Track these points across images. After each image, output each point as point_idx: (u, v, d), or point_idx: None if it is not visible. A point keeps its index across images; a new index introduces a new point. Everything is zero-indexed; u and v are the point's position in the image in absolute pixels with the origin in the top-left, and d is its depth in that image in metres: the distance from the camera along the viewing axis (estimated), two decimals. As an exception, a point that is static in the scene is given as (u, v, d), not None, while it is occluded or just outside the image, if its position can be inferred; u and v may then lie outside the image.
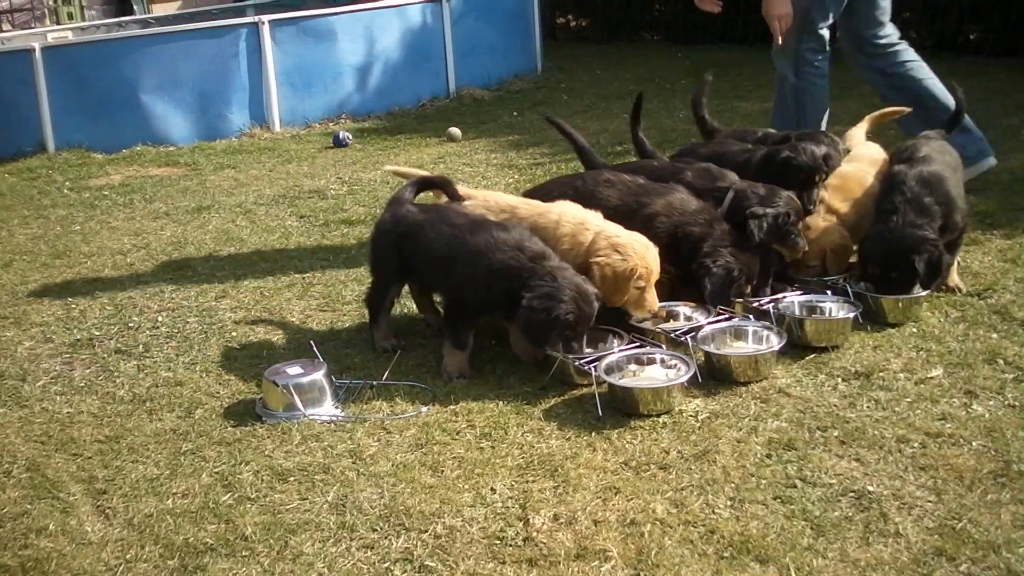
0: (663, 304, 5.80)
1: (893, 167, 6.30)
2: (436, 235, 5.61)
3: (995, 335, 5.64)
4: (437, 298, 6.18)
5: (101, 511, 4.46)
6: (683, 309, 5.96)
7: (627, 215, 5.89)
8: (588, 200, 6.08)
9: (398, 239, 5.80)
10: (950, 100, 7.63)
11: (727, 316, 5.80)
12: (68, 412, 5.42)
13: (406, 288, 6.17)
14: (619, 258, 5.50)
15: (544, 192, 6.50)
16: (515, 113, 13.48)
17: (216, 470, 4.73)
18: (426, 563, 3.99)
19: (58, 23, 18.53)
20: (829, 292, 5.99)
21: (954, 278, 6.25)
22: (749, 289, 5.94)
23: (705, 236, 5.86)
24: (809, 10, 7.81)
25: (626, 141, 10.88)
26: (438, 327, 6.14)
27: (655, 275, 5.61)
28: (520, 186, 8.74)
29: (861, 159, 6.79)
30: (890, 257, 5.89)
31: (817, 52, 8.03)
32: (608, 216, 5.86)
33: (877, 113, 7.63)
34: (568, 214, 5.74)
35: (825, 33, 7.98)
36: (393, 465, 4.69)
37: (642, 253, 5.55)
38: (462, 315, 5.58)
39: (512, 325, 5.60)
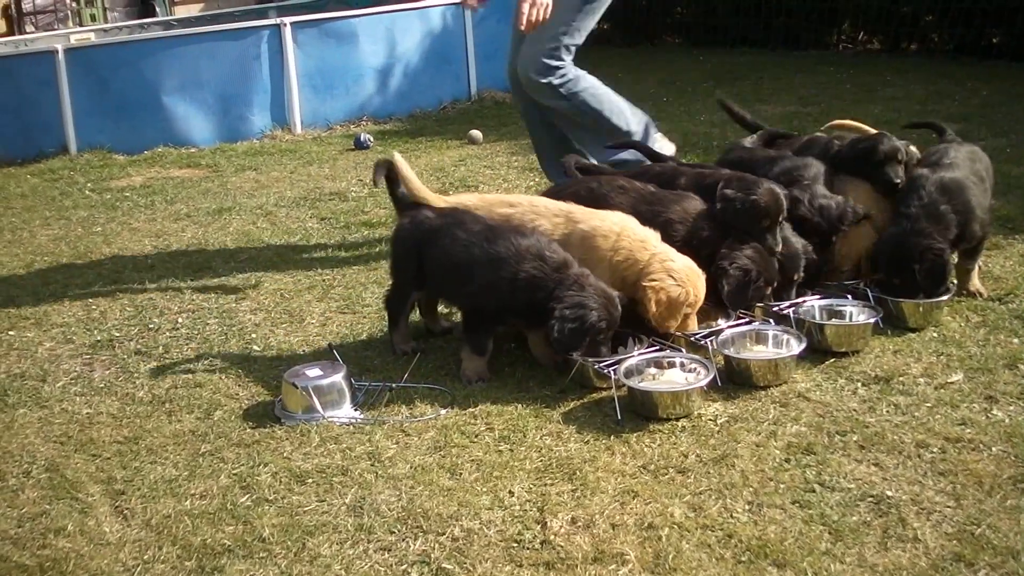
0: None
1: (916, 170, 6.29)
2: (453, 242, 5.60)
3: (1016, 340, 5.63)
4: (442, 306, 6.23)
5: (119, 512, 4.47)
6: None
7: (641, 222, 5.87)
8: (600, 204, 6.08)
9: (417, 245, 5.79)
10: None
11: (747, 320, 5.79)
12: (87, 413, 5.44)
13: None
14: (673, 283, 5.48)
15: (558, 193, 6.52)
16: (536, 116, 13.45)
17: (234, 471, 4.74)
18: (443, 566, 3.99)
19: (81, 25, 18.57)
20: (850, 296, 5.98)
21: (975, 283, 6.24)
22: (769, 291, 5.91)
23: (722, 240, 5.84)
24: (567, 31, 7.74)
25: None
26: (436, 332, 6.20)
27: (700, 302, 5.61)
28: (540, 189, 8.73)
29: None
30: (893, 263, 5.90)
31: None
32: None
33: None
34: (630, 229, 5.70)
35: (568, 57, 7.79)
36: (411, 467, 4.69)
37: (693, 280, 5.54)
38: (481, 322, 5.58)
39: (531, 331, 5.61)
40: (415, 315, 6.20)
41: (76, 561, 4.15)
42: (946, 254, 5.87)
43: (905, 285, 5.86)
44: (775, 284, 5.92)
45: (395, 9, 14.20)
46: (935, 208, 5.97)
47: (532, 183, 9.39)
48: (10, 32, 18.01)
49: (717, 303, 5.80)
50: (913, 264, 5.81)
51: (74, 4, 18.90)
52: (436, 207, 5.96)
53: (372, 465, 4.74)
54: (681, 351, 5.49)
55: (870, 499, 4.25)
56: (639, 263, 5.54)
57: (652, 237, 5.67)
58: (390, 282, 6.10)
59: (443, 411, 5.19)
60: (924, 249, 5.82)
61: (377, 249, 7.87)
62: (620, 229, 5.67)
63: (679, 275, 5.50)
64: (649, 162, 7.36)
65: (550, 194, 6.65)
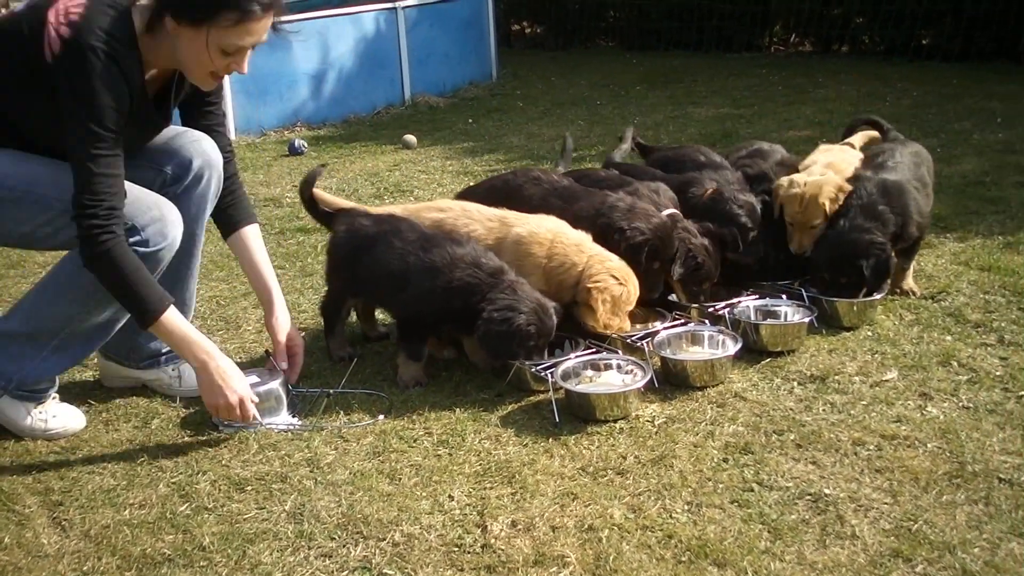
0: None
1: (858, 171, 6.35)
2: (388, 249, 5.57)
3: (949, 337, 5.70)
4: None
5: (57, 523, 4.42)
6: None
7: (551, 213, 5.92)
8: (512, 195, 6.15)
9: (352, 252, 5.77)
10: None
11: (682, 321, 5.83)
12: (23, 423, 5.39)
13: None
14: (616, 283, 5.50)
15: (476, 187, 6.75)
16: (470, 120, 13.49)
17: (173, 480, 4.70)
18: (384, 571, 3.98)
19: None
20: (784, 296, 6.02)
21: (909, 281, 6.31)
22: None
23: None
24: None
25: (581, 147, 10.97)
26: (372, 338, 6.20)
27: (635, 300, 5.64)
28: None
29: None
30: (839, 262, 5.94)
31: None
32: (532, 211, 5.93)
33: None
34: (563, 233, 5.68)
35: None
36: (351, 473, 4.68)
37: (631, 279, 5.58)
38: (417, 328, 5.57)
39: (467, 337, 5.60)
40: (353, 319, 6.18)
41: (14, 574, 4.09)
42: (889, 248, 5.93)
43: (851, 284, 5.91)
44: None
45: (328, 15, 14.16)
46: (873, 208, 6.03)
47: (467, 186, 9.38)
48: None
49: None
50: (860, 261, 5.86)
51: (3, 10, 18.70)
52: (372, 215, 5.94)
53: (311, 471, 4.72)
54: (617, 353, 5.51)
55: (808, 497, 4.28)
56: (577, 266, 5.54)
57: (586, 240, 5.68)
58: (326, 288, 6.08)
59: (381, 416, 5.17)
60: (868, 245, 5.88)
61: (312, 255, 7.85)
62: (553, 235, 5.67)
63: (619, 274, 5.52)
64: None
65: (468, 190, 6.71)
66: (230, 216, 5.51)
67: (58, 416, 5.22)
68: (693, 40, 18.05)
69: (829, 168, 6.67)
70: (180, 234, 5.05)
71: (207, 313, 6.80)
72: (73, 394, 5.59)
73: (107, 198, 4.63)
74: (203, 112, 5.41)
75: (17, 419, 5.16)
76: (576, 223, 5.81)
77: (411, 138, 12.05)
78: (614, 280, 5.49)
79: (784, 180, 6.40)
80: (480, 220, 5.85)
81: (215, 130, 5.44)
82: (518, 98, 14.90)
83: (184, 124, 5.44)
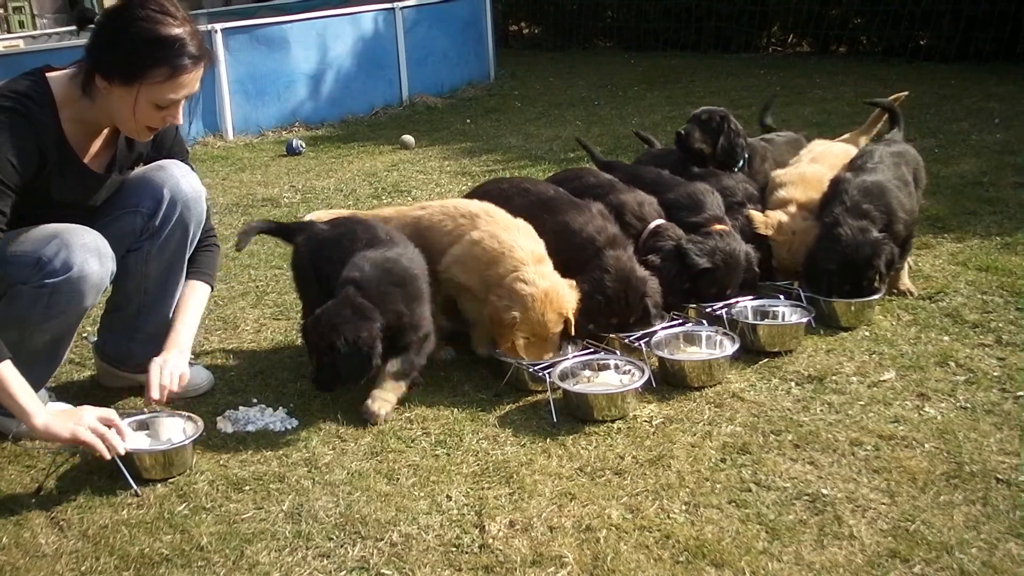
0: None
1: (839, 174, 6.35)
2: (340, 252, 5.49)
3: (946, 338, 5.70)
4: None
5: (55, 523, 4.42)
6: None
7: (533, 226, 5.86)
8: (503, 206, 6.07)
9: (312, 260, 5.69)
10: None
11: (680, 321, 5.83)
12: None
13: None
14: (506, 305, 5.42)
15: (475, 191, 6.71)
16: (468, 120, 13.51)
17: (171, 480, 4.70)
18: (382, 571, 3.98)
19: (9, 31, 18.42)
20: (782, 297, 6.02)
21: (905, 281, 6.31)
22: (614, 322, 5.79)
23: (595, 256, 5.78)
24: None
25: (579, 147, 10.93)
26: None
27: (547, 332, 5.48)
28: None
29: (825, 159, 6.86)
30: (854, 267, 5.93)
31: None
32: None
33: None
34: (518, 246, 5.58)
35: None
36: (348, 473, 4.68)
37: (542, 309, 5.41)
38: None
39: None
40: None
41: (12, 573, 4.09)
42: (891, 241, 5.97)
43: (861, 286, 5.95)
44: (626, 315, 5.78)
45: (327, 15, 14.20)
46: (859, 208, 6.04)
47: (464, 187, 9.37)
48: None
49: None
50: (875, 260, 5.90)
51: (1, 10, 18.73)
52: (331, 220, 5.93)
53: (309, 471, 4.72)
54: (615, 353, 5.51)
55: (806, 497, 4.28)
56: (500, 278, 5.50)
57: (528, 258, 5.55)
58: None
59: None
60: (875, 243, 5.91)
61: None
62: (500, 246, 5.59)
63: (520, 299, 5.41)
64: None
65: (472, 191, 6.79)
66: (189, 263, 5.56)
67: None
68: (691, 40, 18.07)
69: (814, 162, 6.73)
70: (95, 261, 4.95)
71: (205, 313, 6.76)
72: (71, 394, 5.60)
73: None
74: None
75: (9, 427, 5.17)
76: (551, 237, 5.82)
77: (409, 138, 12.06)
78: (507, 303, 5.41)
79: (771, 219, 6.40)
80: (453, 216, 5.85)
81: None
82: (516, 98, 14.92)
83: None
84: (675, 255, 6.04)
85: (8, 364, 4.57)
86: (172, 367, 5.10)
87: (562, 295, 5.48)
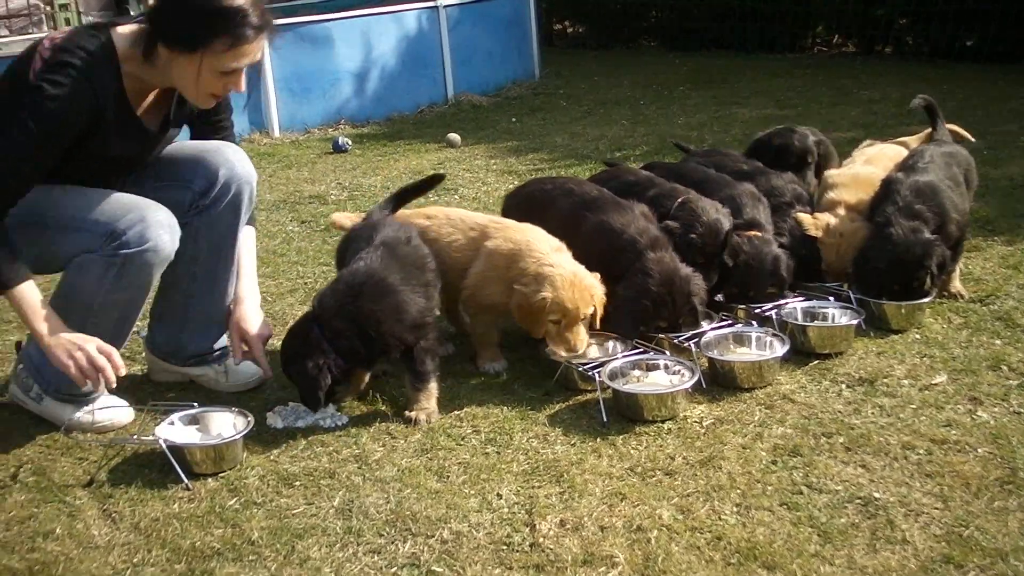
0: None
1: (890, 174, 6.32)
2: (354, 251, 5.50)
3: (999, 341, 5.66)
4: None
5: (108, 515, 4.46)
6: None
7: (571, 228, 5.89)
8: (546, 206, 6.15)
9: (340, 256, 5.75)
10: None
11: (729, 322, 5.82)
12: (73, 416, 5.42)
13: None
14: (534, 288, 5.41)
15: (515, 194, 6.77)
16: (513, 119, 13.51)
17: (222, 475, 4.72)
18: (433, 568, 3.98)
19: (55, 28, 18.49)
20: (832, 298, 6.00)
21: (956, 284, 6.28)
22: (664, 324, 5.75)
23: (637, 259, 5.75)
24: None
25: (625, 147, 10.98)
26: None
27: (579, 313, 5.44)
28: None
29: (878, 161, 6.84)
30: (905, 268, 5.89)
31: None
32: (553, 228, 5.80)
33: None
34: (534, 245, 5.58)
35: None
36: (399, 470, 4.69)
37: (564, 288, 5.38)
38: None
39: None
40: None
41: (65, 564, 4.12)
42: (943, 243, 5.95)
43: (911, 286, 5.93)
44: (674, 316, 5.73)
45: (371, 13, 14.22)
46: (911, 208, 6.01)
47: (511, 186, 9.36)
48: (-17, 36, 17.92)
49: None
50: (927, 262, 5.88)
51: (48, 8, 18.80)
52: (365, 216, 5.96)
53: (359, 468, 4.73)
54: (665, 353, 5.50)
55: (858, 501, 4.26)
56: (523, 271, 5.49)
57: (546, 248, 5.57)
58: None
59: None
60: (928, 244, 5.88)
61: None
62: (518, 247, 5.60)
63: (548, 280, 5.40)
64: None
65: (510, 194, 6.83)
66: None
67: (105, 409, 5.27)
68: (736, 40, 18.02)
69: (868, 163, 6.72)
70: (168, 238, 5.08)
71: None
72: (122, 387, 5.60)
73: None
74: (212, 125, 5.59)
75: (62, 416, 5.21)
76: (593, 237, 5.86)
77: (455, 136, 12.07)
78: (535, 287, 5.40)
79: (820, 221, 6.36)
80: (462, 228, 5.84)
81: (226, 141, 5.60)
82: (561, 97, 14.92)
83: (194, 138, 5.60)
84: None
85: (28, 285, 4.74)
86: (253, 319, 5.50)
87: (588, 279, 5.49)
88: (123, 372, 4.85)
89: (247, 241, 5.66)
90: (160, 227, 5.02)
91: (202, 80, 4.84)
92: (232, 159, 5.42)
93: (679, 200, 6.15)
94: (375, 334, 5.07)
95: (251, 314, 5.52)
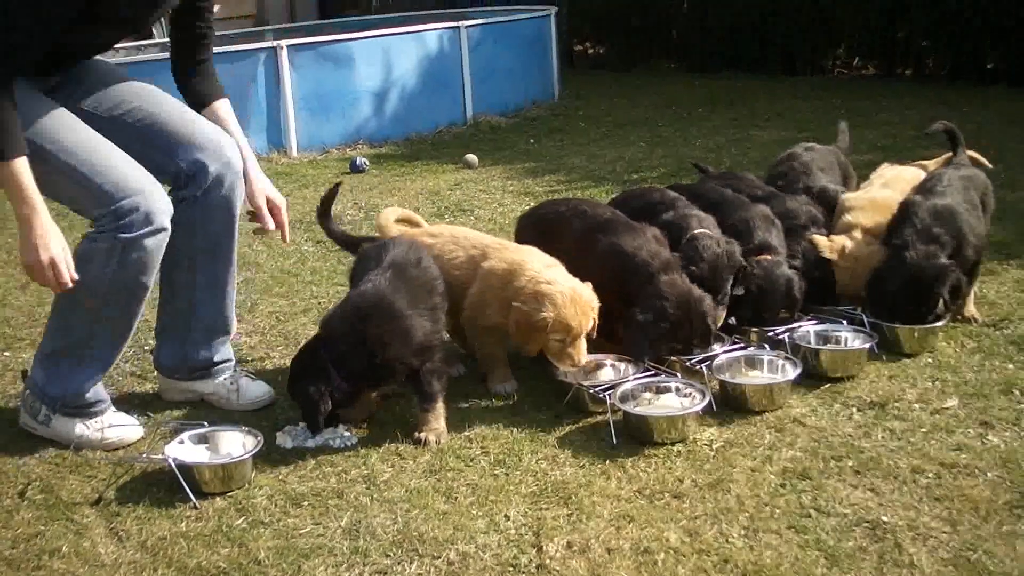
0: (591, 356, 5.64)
1: (908, 197, 6.31)
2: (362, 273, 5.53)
3: (1011, 365, 5.64)
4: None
5: (114, 533, 4.46)
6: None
7: (580, 250, 5.91)
8: (559, 227, 6.17)
9: (353, 276, 5.76)
10: None
11: (742, 345, 5.81)
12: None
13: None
14: (535, 307, 5.38)
15: (530, 215, 6.77)
16: (532, 140, 13.52)
17: (230, 494, 4.73)
18: (439, 589, 3.99)
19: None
20: (844, 322, 5.98)
21: (970, 308, 6.26)
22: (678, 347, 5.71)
23: (648, 282, 5.71)
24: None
25: (643, 169, 10.98)
26: None
27: (581, 329, 5.44)
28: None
29: (896, 184, 6.83)
30: (915, 292, 5.88)
31: None
32: (565, 250, 5.84)
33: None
34: (529, 265, 5.57)
35: None
36: (407, 491, 4.69)
37: (567, 306, 5.37)
38: None
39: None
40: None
41: (71, 583, 4.15)
42: (957, 267, 5.92)
43: (927, 311, 5.90)
44: (690, 338, 5.69)
45: (391, 33, 14.27)
46: (929, 232, 5.99)
47: (527, 207, 9.35)
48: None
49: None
50: (938, 288, 5.85)
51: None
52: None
53: (367, 488, 4.73)
54: (676, 376, 5.49)
55: (866, 524, 4.24)
56: (519, 289, 5.48)
57: (540, 266, 5.57)
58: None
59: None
60: (942, 269, 5.85)
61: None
62: (510, 264, 5.61)
63: (547, 298, 5.38)
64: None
65: (525, 215, 6.86)
66: (198, 92, 5.63)
67: (114, 427, 5.28)
68: (756, 62, 18.02)
69: (885, 187, 6.70)
70: (168, 222, 5.09)
71: (266, 328, 6.84)
72: (133, 405, 5.65)
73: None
74: (194, 30, 5.55)
75: (71, 434, 5.22)
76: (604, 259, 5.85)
77: (472, 157, 12.08)
78: (535, 306, 5.37)
79: (836, 243, 6.36)
80: (464, 247, 5.85)
81: (201, 44, 5.58)
82: (580, 119, 14.92)
83: (173, 41, 5.61)
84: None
85: (23, 161, 4.72)
86: (270, 194, 5.58)
87: (585, 292, 5.48)
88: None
89: (229, 113, 5.65)
90: (162, 214, 5.04)
91: None
92: (225, 147, 5.41)
93: (688, 235, 6.12)
94: (380, 358, 5.07)
95: (268, 184, 5.62)
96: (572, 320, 5.36)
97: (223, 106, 5.59)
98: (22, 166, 4.70)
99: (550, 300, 5.35)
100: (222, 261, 5.56)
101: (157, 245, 5.06)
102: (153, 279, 5.22)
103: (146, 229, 4.97)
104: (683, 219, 6.25)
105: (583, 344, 5.47)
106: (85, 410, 5.25)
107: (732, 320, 6.13)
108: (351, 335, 5.11)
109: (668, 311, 5.56)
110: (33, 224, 4.74)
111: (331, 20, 20.60)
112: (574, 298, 5.39)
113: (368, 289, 5.27)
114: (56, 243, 4.81)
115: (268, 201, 5.55)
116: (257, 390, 5.68)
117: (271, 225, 5.55)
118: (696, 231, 6.13)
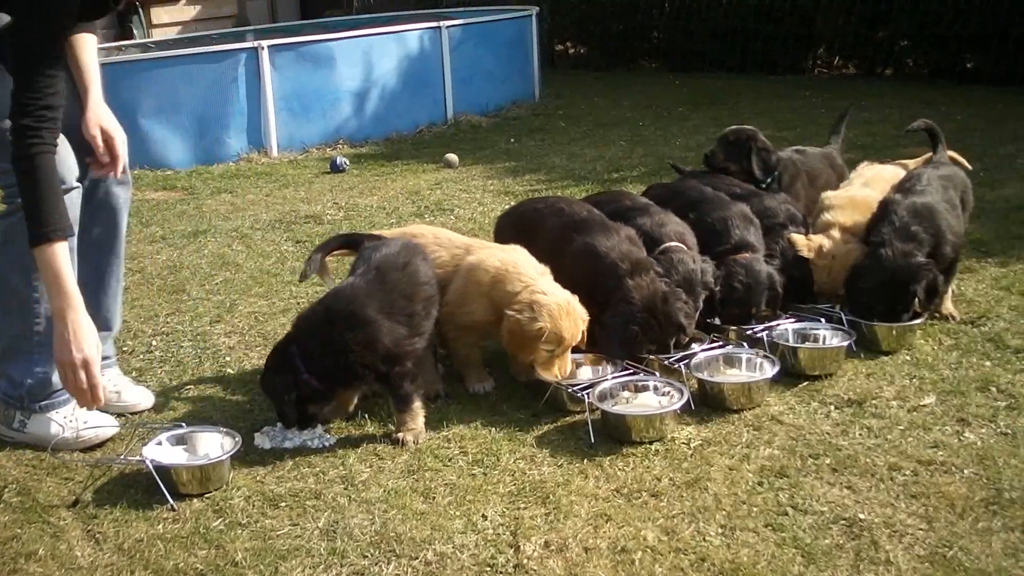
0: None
1: (888, 196, 6.32)
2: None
3: (988, 363, 5.66)
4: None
5: (91, 536, 4.45)
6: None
7: (557, 249, 5.92)
8: (536, 225, 6.18)
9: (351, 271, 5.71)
10: None
11: (720, 344, 5.80)
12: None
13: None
14: (530, 316, 5.39)
15: (509, 214, 6.82)
16: (512, 140, 13.51)
17: (207, 495, 4.72)
18: (416, 589, 3.99)
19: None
20: (823, 320, 5.99)
21: (948, 306, 6.28)
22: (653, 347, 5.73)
23: (622, 280, 5.72)
24: None
25: (623, 168, 10.98)
26: None
27: (572, 342, 5.47)
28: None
29: (876, 183, 6.84)
30: (890, 290, 5.90)
31: None
32: (542, 248, 5.86)
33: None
34: (515, 264, 5.59)
35: None
36: (385, 491, 4.68)
37: (561, 317, 5.38)
38: None
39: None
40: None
41: (47, 586, 4.14)
42: (934, 267, 5.93)
43: (905, 309, 5.93)
44: (662, 338, 5.70)
45: (372, 33, 14.27)
46: (907, 230, 6.01)
47: (507, 206, 9.35)
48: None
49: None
50: (912, 286, 5.88)
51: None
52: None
53: (345, 489, 4.73)
54: (655, 374, 5.49)
55: (843, 522, 4.25)
56: (511, 294, 5.47)
57: (534, 273, 5.57)
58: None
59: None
60: (918, 268, 5.88)
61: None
62: (502, 265, 5.59)
63: (544, 309, 5.38)
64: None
65: (505, 213, 6.91)
66: None
67: (89, 422, 5.24)
68: (737, 62, 18.05)
69: (865, 186, 6.72)
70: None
71: (246, 328, 6.83)
72: (111, 408, 5.62)
73: (43, 97, 4.55)
74: None
75: (47, 434, 5.19)
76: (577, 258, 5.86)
77: (453, 157, 12.07)
78: (530, 315, 5.37)
79: (814, 242, 6.37)
80: (448, 247, 5.85)
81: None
82: (560, 118, 14.92)
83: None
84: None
85: (65, 247, 4.57)
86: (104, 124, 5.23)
87: (577, 305, 5.49)
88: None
89: (90, 47, 5.40)
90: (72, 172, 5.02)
91: None
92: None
93: (661, 247, 6.11)
94: (345, 361, 5.08)
95: (107, 113, 5.30)
96: (566, 332, 5.38)
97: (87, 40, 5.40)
98: (62, 251, 4.52)
99: (547, 311, 5.36)
100: (114, 256, 5.53)
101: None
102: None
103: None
104: (657, 227, 6.25)
105: (569, 356, 5.50)
106: (55, 397, 5.22)
107: (717, 321, 6.13)
108: (319, 335, 5.13)
109: (636, 314, 5.57)
110: (68, 319, 4.55)
111: (312, 21, 20.57)
112: (568, 311, 5.41)
113: (344, 290, 5.28)
114: (90, 343, 4.58)
115: (103, 132, 5.21)
116: (138, 395, 5.69)
117: (105, 158, 5.22)
118: (670, 244, 6.13)
